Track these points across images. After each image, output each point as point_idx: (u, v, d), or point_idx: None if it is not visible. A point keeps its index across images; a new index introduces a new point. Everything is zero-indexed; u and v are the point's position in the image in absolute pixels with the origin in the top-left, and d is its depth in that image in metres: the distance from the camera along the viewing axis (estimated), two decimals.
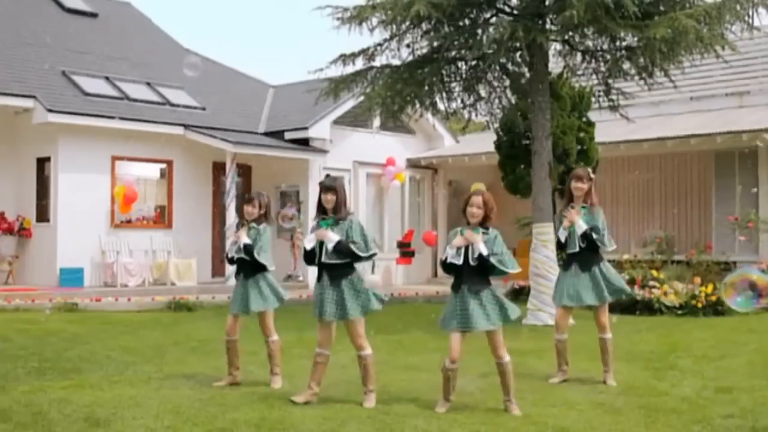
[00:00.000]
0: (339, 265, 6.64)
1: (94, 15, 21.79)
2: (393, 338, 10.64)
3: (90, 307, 13.58)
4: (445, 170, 21.26)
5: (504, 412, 6.38)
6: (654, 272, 14.61)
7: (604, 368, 7.75)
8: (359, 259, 6.67)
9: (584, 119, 15.12)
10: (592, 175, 7.93)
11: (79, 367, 8.21)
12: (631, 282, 14.49)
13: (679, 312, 13.53)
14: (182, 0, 60.67)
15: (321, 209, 6.75)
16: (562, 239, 7.83)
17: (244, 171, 18.96)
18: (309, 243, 6.66)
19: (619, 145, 17.19)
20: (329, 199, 6.66)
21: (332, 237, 6.57)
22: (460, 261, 6.44)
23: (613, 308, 14.00)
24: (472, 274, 6.42)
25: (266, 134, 19.17)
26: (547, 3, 12.73)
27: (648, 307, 13.79)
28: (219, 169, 18.32)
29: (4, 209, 16.82)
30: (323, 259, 6.64)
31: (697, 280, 14.23)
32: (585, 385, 7.54)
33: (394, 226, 20.47)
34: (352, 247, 6.58)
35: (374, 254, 6.74)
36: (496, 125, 15.37)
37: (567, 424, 6.00)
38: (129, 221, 17.58)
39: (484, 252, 6.35)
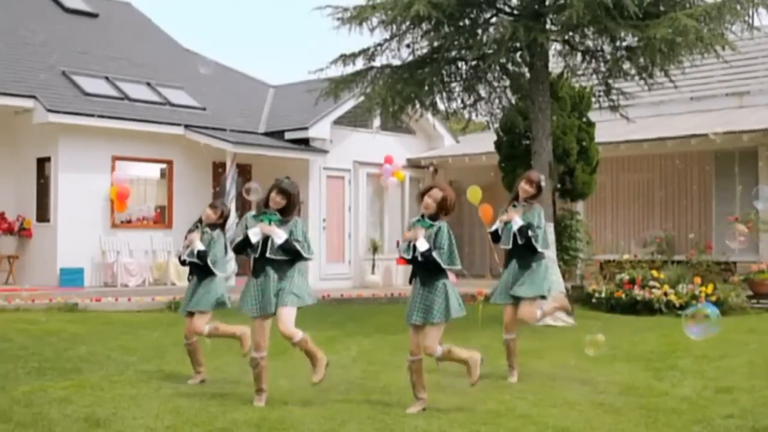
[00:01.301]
0: (285, 261, 6.65)
1: (94, 15, 21.78)
2: (393, 338, 10.63)
3: (90, 307, 13.58)
4: (445, 170, 21.26)
5: (504, 413, 6.38)
6: (654, 272, 14.61)
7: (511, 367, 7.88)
8: (302, 258, 6.69)
9: (584, 119, 15.11)
10: (543, 184, 8.07)
11: (79, 367, 8.21)
12: (631, 282, 14.51)
13: (679, 312, 13.52)
14: (182, 0, 60.70)
15: (266, 205, 6.70)
16: (493, 229, 7.88)
17: (244, 171, 18.96)
18: (255, 236, 6.61)
19: (619, 145, 17.17)
20: (278, 201, 6.65)
21: (281, 234, 6.58)
22: (409, 255, 6.45)
23: (614, 308, 14.15)
24: (422, 267, 6.45)
25: (266, 134, 19.16)
26: (547, 3, 12.73)
27: (648, 307, 13.79)
28: (219, 169, 18.32)
29: (4, 209, 16.81)
30: (268, 254, 6.61)
31: (698, 280, 14.23)
32: (585, 385, 7.54)
33: (394, 226, 20.47)
34: (297, 245, 6.60)
35: (311, 258, 6.79)
36: (496, 125, 15.36)
37: (567, 424, 6.00)
38: (129, 221, 17.59)
39: (421, 248, 6.35)
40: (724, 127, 16.37)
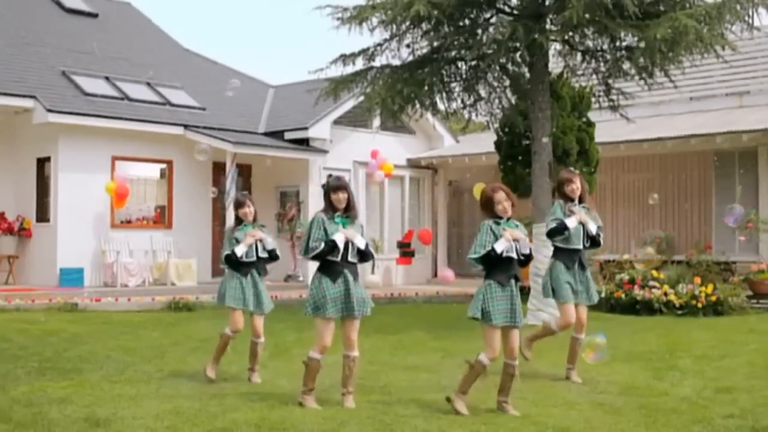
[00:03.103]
0: (355, 264, 6.68)
1: (94, 15, 21.80)
2: (393, 338, 10.62)
3: (90, 307, 13.57)
4: (445, 170, 21.25)
5: (504, 412, 6.37)
6: (654, 272, 14.60)
7: (571, 365, 7.89)
8: (367, 260, 6.77)
9: (584, 119, 15.11)
10: (577, 171, 8.11)
11: (79, 367, 8.20)
12: (631, 282, 14.51)
13: (679, 312, 13.53)
14: (182, 0, 60.70)
15: (331, 208, 6.65)
16: (571, 226, 7.74)
17: (244, 171, 18.95)
18: (341, 242, 6.55)
19: (619, 145, 17.18)
20: (341, 198, 6.63)
21: (361, 238, 6.63)
22: (515, 255, 6.44)
23: (614, 308, 14.14)
24: (516, 269, 6.50)
25: (266, 134, 19.17)
26: (547, 3, 12.73)
27: (648, 307, 13.79)
28: (219, 169, 18.32)
29: (4, 209, 16.82)
30: (349, 258, 6.61)
31: (698, 280, 14.22)
32: (585, 385, 7.54)
33: (394, 226, 20.46)
34: (371, 249, 6.72)
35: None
36: (496, 125, 15.37)
37: (567, 424, 5.99)
38: (129, 221, 17.59)
39: (531, 249, 6.49)
40: (724, 127, 16.37)
